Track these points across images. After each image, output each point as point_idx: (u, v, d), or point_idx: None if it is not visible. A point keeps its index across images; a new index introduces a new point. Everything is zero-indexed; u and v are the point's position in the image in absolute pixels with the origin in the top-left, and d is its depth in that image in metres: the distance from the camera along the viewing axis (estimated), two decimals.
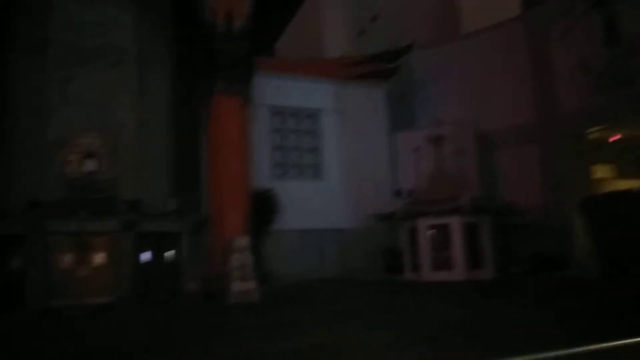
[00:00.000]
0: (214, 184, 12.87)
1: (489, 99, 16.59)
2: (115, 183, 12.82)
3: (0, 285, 11.21)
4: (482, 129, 16.28)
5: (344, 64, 17.46)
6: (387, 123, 17.41)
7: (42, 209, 11.36)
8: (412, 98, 18.34)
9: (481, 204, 14.13)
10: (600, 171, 16.16)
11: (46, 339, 7.61)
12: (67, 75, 13.07)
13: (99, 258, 11.98)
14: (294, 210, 14.70)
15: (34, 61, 12.87)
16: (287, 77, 15.79)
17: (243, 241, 11.94)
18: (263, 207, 13.84)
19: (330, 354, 5.74)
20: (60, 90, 12.98)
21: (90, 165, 12.60)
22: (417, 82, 18.30)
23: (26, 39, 13.00)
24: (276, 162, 15.70)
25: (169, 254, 13.01)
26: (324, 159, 16.38)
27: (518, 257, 14.47)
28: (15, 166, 12.58)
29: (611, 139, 15.44)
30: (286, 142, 16.03)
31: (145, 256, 12.54)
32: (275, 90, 15.40)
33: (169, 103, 14.13)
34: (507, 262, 14.25)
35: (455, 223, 13.53)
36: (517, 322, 6.86)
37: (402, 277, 14.35)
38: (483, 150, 16.38)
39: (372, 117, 17.11)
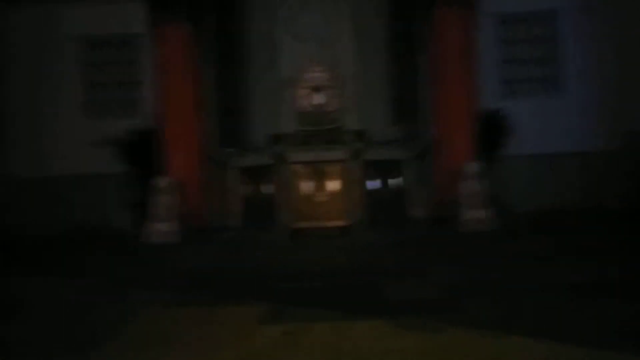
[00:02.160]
0: (438, 107, 12.13)
1: None
2: (341, 114, 13.24)
3: (256, 207, 13.06)
4: None
5: None
6: None
7: (284, 141, 12.52)
8: None
9: None
10: None
11: (300, 254, 8.45)
12: (291, 13, 13.69)
13: (333, 185, 12.78)
14: (527, 132, 12.96)
15: (263, 3, 13.79)
16: None
17: (473, 167, 11.11)
18: (492, 130, 12.54)
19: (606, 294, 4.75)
20: (286, 28, 13.73)
21: (318, 99, 13.23)
22: None
23: None
24: (505, 78, 13.88)
25: (395, 180, 13.09)
26: (563, 70, 13.82)
27: None
28: (254, 104, 14.06)
29: None
30: (516, 53, 13.96)
31: (373, 183, 12.88)
32: None
33: (385, 30, 13.63)
34: None
35: None
36: None
37: None
38: None
39: (631, 9, 13.52)
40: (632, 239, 8.28)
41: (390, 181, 13.13)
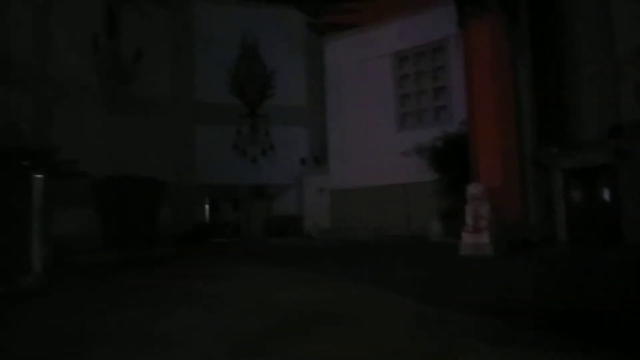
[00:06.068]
0: None
1: None
2: None
3: (588, 218, 10.66)
4: None
5: None
6: None
7: (629, 132, 9.76)
8: None
9: None
10: None
11: None
12: None
13: None
14: None
15: None
16: None
17: None
18: None
19: None
20: None
21: None
22: None
23: None
24: None
25: None
26: None
27: None
28: (580, 91, 11.63)
29: None
30: None
31: None
32: None
33: None
34: None
35: None
36: None
37: None
38: None
39: None
40: None
41: None
